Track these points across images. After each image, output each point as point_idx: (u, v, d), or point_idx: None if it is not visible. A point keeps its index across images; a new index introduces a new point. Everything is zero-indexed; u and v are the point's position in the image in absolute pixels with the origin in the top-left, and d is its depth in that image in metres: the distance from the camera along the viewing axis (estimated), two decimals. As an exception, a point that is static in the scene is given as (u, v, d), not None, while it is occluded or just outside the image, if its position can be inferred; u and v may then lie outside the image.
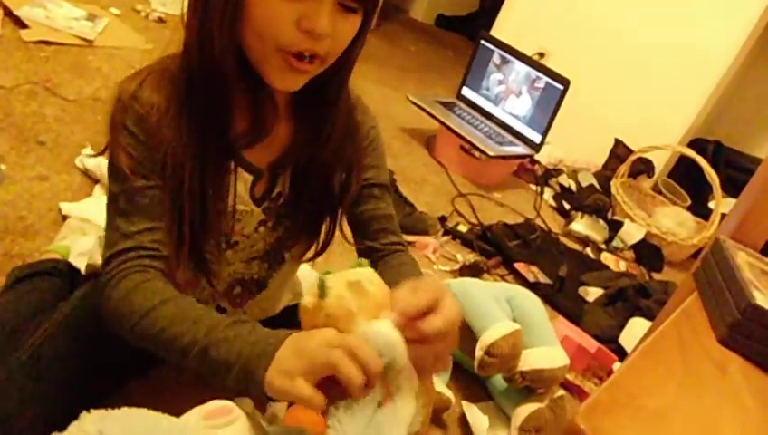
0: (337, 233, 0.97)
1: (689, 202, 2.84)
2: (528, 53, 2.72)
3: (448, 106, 2.71)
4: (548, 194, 2.72)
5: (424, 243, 1.92)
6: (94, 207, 1.39)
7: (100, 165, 1.53)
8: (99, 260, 0.88)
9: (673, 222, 2.57)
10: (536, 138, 2.58)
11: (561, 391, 1.31)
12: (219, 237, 0.87)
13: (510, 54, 2.65)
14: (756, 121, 3.29)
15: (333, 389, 0.60)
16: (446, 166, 2.58)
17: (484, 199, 2.46)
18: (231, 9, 0.70)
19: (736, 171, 2.93)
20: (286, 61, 0.72)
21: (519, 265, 2.00)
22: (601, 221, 2.50)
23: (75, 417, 0.58)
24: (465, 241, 2.06)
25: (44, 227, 1.36)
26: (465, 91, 2.81)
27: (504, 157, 2.51)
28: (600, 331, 1.79)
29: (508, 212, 2.45)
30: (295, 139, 0.86)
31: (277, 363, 0.63)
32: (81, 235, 1.31)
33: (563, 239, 2.38)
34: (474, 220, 2.23)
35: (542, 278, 1.99)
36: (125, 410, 0.59)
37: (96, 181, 1.55)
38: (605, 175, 2.84)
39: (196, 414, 0.64)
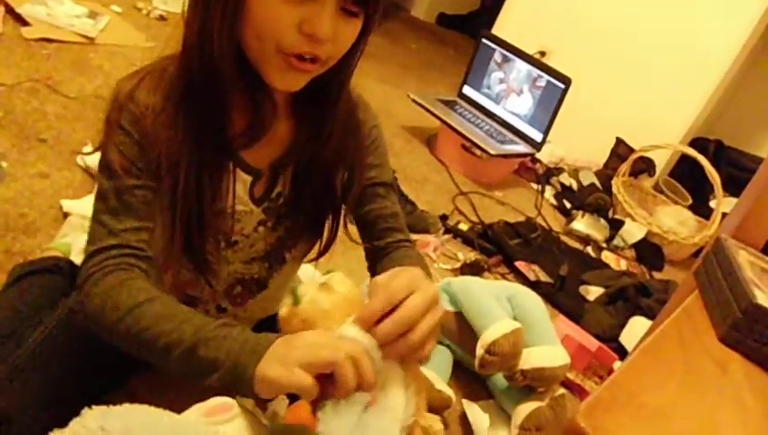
0: (339, 233, 0.97)
1: (690, 201, 2.84)
2: (529, 51, 2.71)
3: (449, 104, 2.71)
4: (549, 193, 2.72)
5: (425, 241, 1.92)
6: (95, 205, 1.39)
7: (101, 162, 1.53)
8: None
9: (674, 221, 2.57)
10: (537, 136, 2.58)
11: (562, 390, 1.31)
12: (218, 237, 0.87)
13: (511, 53, 2.65)
14: (757, 120, 3.29)
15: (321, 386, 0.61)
16: (447, 164, 2.58)
17: (485, 198, 2.46)
18: (232, 9, 0.69)
19: (737, 170, 2.92)
20: (286, 61, 0.72)
21: (520, 264, 2.00)
22: (602, 220, 2.50)
23: (77, 413, 0.58)
24: (466, 239, 2.06)
25: (45, 225, 1.36)
26: (467, 90, 2.81)
27: (505, 155, 2.51)
28: (601, 330, 1.80)
29: (509, 211, 2.45)
30: (296, 138, 0.86)
31: (271, 356, 0.63)
32: (83, 232, 1.30)
33: (564, 238, 2.38)
34: (475, 219, 2.23)
35: (543, 277, 1.99)
36: (126, 406, 0.60)
37: (97, 179, 1.55)
38: (606, 174, 2.84)
39: (196, 411, 0.64)
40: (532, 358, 1.24)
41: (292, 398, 0.68)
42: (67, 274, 1.13)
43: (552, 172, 2.82)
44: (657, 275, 2.39)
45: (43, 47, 2.06)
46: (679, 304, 0.86)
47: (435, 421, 0.68)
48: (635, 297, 1.94)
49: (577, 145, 2.99)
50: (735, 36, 2.75)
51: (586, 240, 2.42)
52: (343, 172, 0.90)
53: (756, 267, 0.86)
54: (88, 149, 1.61)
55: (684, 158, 2.87)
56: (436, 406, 1.24)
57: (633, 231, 2.47)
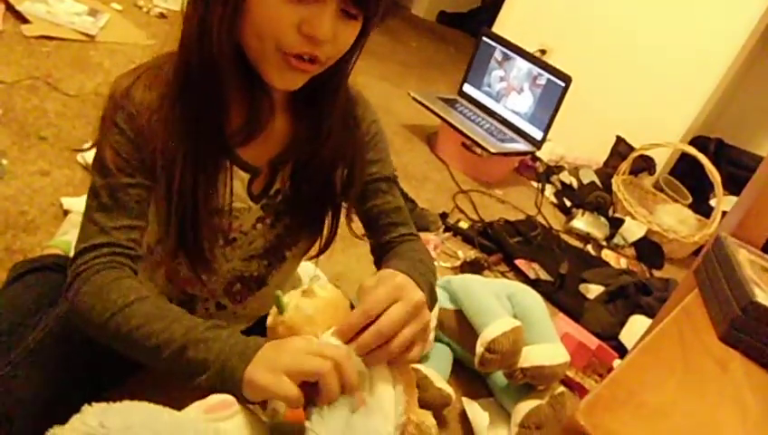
0: (339, 232, 0.97)
1: (690, 200, 2.84)
2: (530, 49, 2.71)
3: (450, 103, 2.71)
4: (549, 191, 2.72)
5: (425, 239, 1.92)
6: (95, 203, 1.39)
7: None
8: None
9: (674, 220, 2.57)
10: (538, 135, 2.58)
11: (562, 388, 1.31)
12: (215, 235, 0.86)
13: (511, 51, 2.65)
14: (758, 119, 3.29)
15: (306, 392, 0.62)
16: (447, 162, 2.58)
17: (486, 196, 2.46)
18: (232, 6, 0.69)
19: (738, 169, 2.92)
20: (285, 61, 0.72)
21: (520, 262, 2.00)
22: (602, 218, 2.50)
23: (77, 411, 0.58)
24: (466, 238, 2.06)
25: (46, 223, 1.36)
26: (467, 88, 2.81)
27: (505, 154, 2.51)
28: (601, 328, 1.80)
29: (509, 209, 2.45)
30: (294, 135, 0.86)
31: (259, 360, 0.64)
32: (83, 230, 1.31)
33: (564, 236, 2.38)
34: (475, 217, 2.23)
35: (543, 275, 1.99)
36: (126, 402, 0.60)
37: (97, 176, 1.55)
38: (606, 172, 2.84)
39: (196, 408, 0.64)
40: (531, 356, 1.25)
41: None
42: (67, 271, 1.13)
43: (552, 170, 2.82)
44: (657, 273, 2.39)
45: (43, 45, 2.06)
46: (679, 302, 0.86)
47: (427, 417, 0.68)
48: (635, 296, 1.94)
49: (577, 143, 2.99)
50: (735, 35, 2.75)
51: (586, 238, 2.42)
52: (342, 169, 0.90)
53: (756, 266, 0.87)
54: (87, 146, 1.61)
55: (684, 156, 2.87)
56: (436, 404, 1.24)
57: (633, 229, 2.47)
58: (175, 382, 0.68)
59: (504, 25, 3.31)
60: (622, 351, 1.70)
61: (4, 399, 0.78)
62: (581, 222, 2.45)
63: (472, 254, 1.97)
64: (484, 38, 2.73)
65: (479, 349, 1.23)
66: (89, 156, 1.57)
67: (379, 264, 0.94)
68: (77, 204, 1.41)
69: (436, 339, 1.43)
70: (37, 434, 0.60)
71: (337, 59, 0.77)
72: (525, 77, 2.60)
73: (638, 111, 2.98)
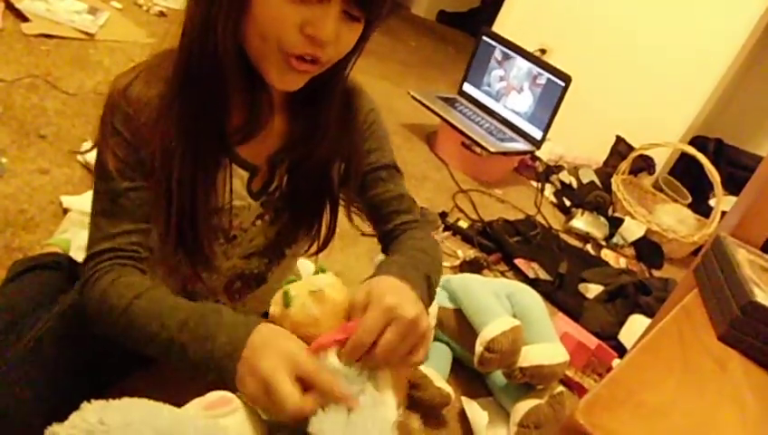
0: (338, 230, 0.97)
1: (690, 199, 2.84)
2: (529, 49, 2.71)
3: (449, 102, 2.71)
4: (549, 190, 2.72)
5: (424, 239, 1.92)
6: (95, 201, 1.39)
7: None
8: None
9: (673, 219, 2.57)
10: (537, 134, 2.58)
11: (561, 388, 1.31)
12: (215, 233, 0.87)
13: (511, 50, 2.65)
14: (757, 119, 3.29)
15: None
16: (446, 162, 2.58)
17: (485, 195, 2.46)
18: (236, 6, 0.69)
19: (737, 169, 2.93)
20: (287, 61, 0.72)
21: (519, 262, 2.00)
22: (602, 218, 2.50)
23: (76, 408, 0.58)
24: (466, 237, 2.06)
25: (45, 221, 1.36)
26: (467, 87, 2.81)
27: (504, 153, 2.51)
28: (600, 327, 1.80)
29: (509, 208, 2.45)
30: (292, 133, 0.86)
31: (244, 364, 0.65)
32: (82, 228, 1.31)
33: (564, 236, 2.38)
34: (474, 216, 2.23)
35: (543, 275, 1.99)
36: (126, 399, 0.60)
37: (97, 175, 1.55)
38: (606, 172, 2.84)
39: (196, 404, 0.64)
40: (531, 355, 1.25)
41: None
42: (66, 270, 1.13)
43: (551, 170, 2.82)
44: (656, 273, 2.39)
45: (42, 43, 2.06)
46: (678, 302, 0.86)
47: (413, 420, 0.69)
48: (634, 295, 1.94)
49: (577, 143, 2.99)
50: (735, 35, 2.75)
51: (585, 238, 2.42)
52: (340, 163, 0.90)
53: (755, 266, 0.87)
54: (87, 145, 1.61)
55: (684, 156, 2.87)
56: (435, 403, 1.24)
57: (633, 229, 2.47)
58: (181, 378, 0.69)
59: (503, 25, 3.31)
60: (621, 350, 1.70)
61: (4, 396, 0.78)
62: (581, 222, 2.45)
63: (471, 253, 1.97)
64: (484, 37, 2.73)
65: (478, 348, 1.23)
66: (88, 154, 1.57)
67: (385, 251, 0.94)
68: (76, 202, 1.41)
69: (436, 338, 1.43)
70: (36, 432, 0.60)
71: (337, 60, 0.77)
72: (525, 77, 2.60)
73: (638, 110, 2.98)
